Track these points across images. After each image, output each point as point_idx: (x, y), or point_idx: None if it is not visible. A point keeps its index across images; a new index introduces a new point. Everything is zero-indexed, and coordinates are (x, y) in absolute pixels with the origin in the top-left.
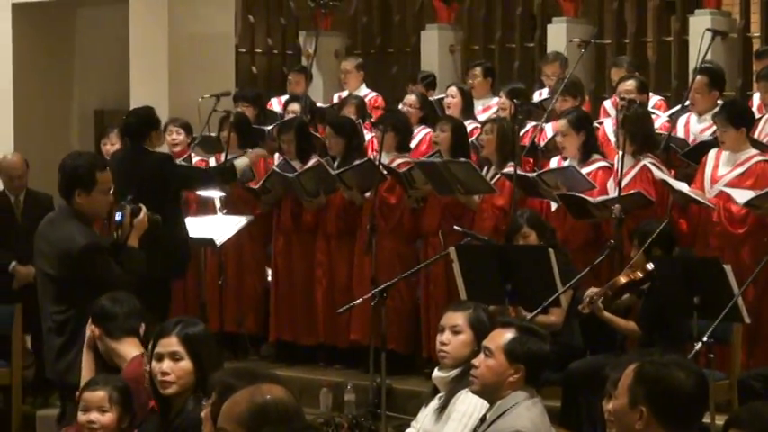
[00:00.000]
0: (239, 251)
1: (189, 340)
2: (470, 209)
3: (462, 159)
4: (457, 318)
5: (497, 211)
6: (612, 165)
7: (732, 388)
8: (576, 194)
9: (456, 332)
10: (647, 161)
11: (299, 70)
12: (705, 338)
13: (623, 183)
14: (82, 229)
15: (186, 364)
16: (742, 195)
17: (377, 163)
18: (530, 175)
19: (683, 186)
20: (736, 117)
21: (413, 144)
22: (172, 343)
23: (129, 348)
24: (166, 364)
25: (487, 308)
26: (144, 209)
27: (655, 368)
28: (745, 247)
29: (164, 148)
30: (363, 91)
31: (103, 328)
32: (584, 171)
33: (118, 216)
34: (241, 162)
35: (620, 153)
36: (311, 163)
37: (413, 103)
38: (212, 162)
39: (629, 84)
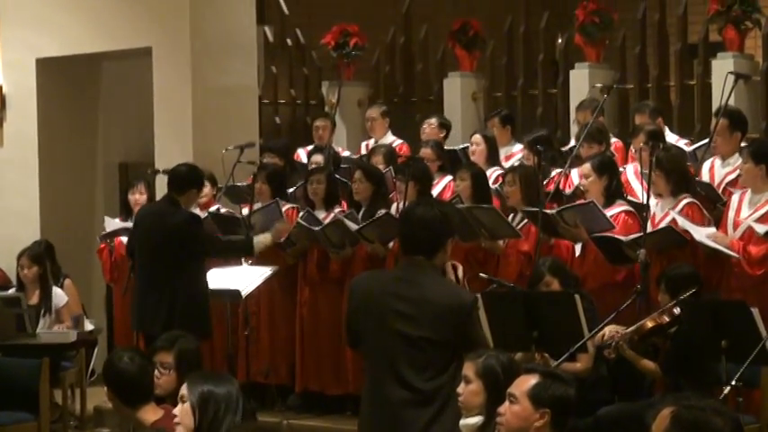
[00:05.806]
0: (270, 301)
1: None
2: (494, 254)
3: (486, 205)
4: (467, 368)
5: (522, 257)
6: (636, 210)
7: None
8: (608, 235)
9: (467, 382)
10: (686, 201)
11: (325, 116)
12: (734, 382)
13: (662, 224)
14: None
15: (188, 406)
16: (761, 228)
17: (399, 212)
18: (549, 211)
19: (703, 239)
20: (760, 154)
21: (436, 191)
22: (182, 387)
23: (148, 416)
24: (177, 407)
25: (507, 355)
26: None
27: (692, 413)
28: (765, 288)
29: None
30: (389, 138)
31: (119, 396)
32: (608, 214)
33: None
34: (263, 239)
35: (645, 193)
36: (332, 216)
37: (429, 156)
38: (245, 212)
39: (641, 138)
